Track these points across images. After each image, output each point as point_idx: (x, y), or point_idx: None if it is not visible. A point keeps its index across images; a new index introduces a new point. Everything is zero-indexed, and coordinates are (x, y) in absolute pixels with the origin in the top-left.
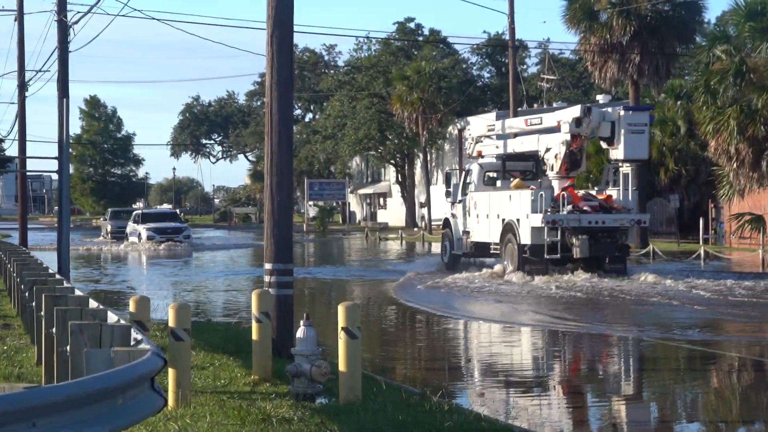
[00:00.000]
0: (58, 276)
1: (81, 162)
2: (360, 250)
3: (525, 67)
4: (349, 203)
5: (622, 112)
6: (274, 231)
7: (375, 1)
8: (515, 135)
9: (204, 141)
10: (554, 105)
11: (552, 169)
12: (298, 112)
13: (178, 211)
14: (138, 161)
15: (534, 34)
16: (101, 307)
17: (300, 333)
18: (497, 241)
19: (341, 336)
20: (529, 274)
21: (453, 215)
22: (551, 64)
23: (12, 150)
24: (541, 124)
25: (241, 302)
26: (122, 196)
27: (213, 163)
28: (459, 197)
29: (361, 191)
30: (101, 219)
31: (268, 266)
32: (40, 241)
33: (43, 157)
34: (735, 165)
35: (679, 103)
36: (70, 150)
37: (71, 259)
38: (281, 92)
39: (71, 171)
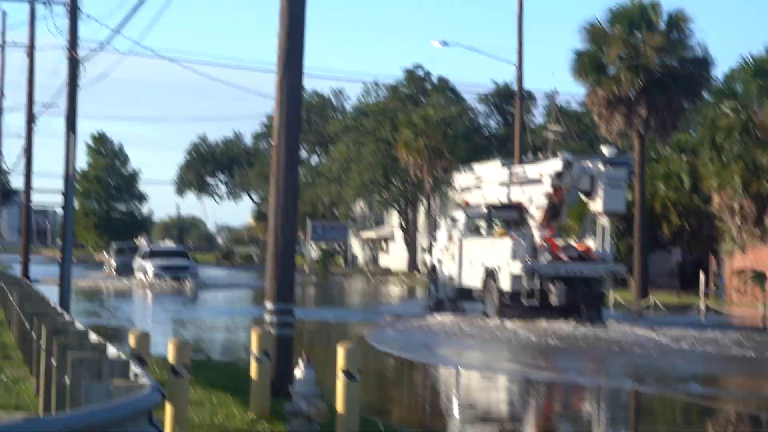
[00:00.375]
0: (59, 309)
1: (85, 197)
2: (357, 293)
3: (531, 117)
4: (351, 246)
5: (601, 167)
6: (277, 271)
7: (384, 47)
8: (502, 185)
9: (209, 180)
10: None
11: (534, 219)
12: (303, 154)
13: (185, 249)
14: (142, 198)
15: (541, 84)
16: (101, 340)
17: (299, 373)
18: (479, 286)
19: (341, 378)
20: (509, 319)
21: (439, 260)
22: (558, 115)
23: (17, 182)
24: (525, 175)
25: (242, 340)
26: (125, 231)
27: (217, 202)
28: (445, 243)
29: (364, 234)
30: (105, 254)
31: (269, 306)
32: (42, 274)
33: (48, 191)
34: (738, 220)
35: (684, 157)
36: (76, 185)
37: (74, 293)
38: (289, 134)
39: (76, 205)
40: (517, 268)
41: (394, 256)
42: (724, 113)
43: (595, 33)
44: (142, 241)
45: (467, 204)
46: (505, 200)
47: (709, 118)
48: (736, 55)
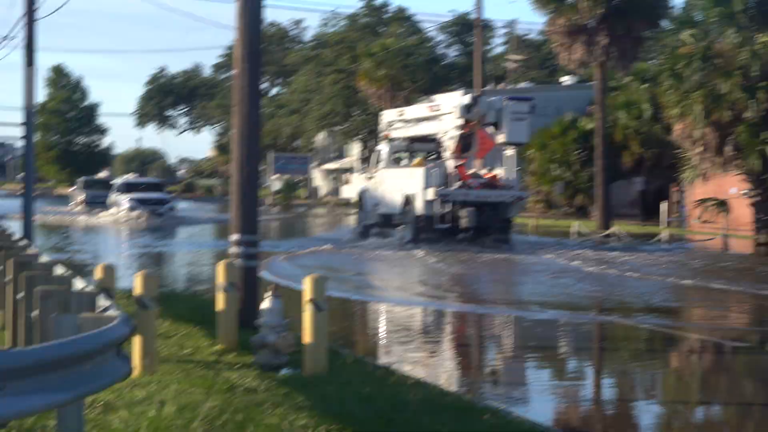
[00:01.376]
0: (24, 242)
1: (46, 130)
2: (305, 224)
3: (491, 47)
4: (313, 178)
5: (506, 102)
6: (242, 203)
7: None
8: (420, 119)
9: (169, 112)
10: (520, 85)
11: (447, 150)
12: (264, 86)
13: (162, 181)
14: (102, 131)
15: (501, 13)
16: (68, 273)
17: (266, 304)
18: (399, 212)
19: (307, 308)
20: (423, 242)
21: (366, 189)
22: (518, 45)
23: None
24: (440, 110)
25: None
26: (86, 165)
27: (178, 134)
28: (371, 174)
29: (326, 166)
30: (71, 188)
31: (234, 237)
32: (3, 209)
33: (7, 124)
34: (699, 149)
35: (644, 86)
36: (35, 118)
37: (42, 228)
38: (250, 65)
39: (36, 139)
40: (430, 194)
41: (356, 188)
42: (684, 41)
43: None
44: (108, 174)
45: (390, 138)
46: (424, 133)
47: (669, 47)
48: None
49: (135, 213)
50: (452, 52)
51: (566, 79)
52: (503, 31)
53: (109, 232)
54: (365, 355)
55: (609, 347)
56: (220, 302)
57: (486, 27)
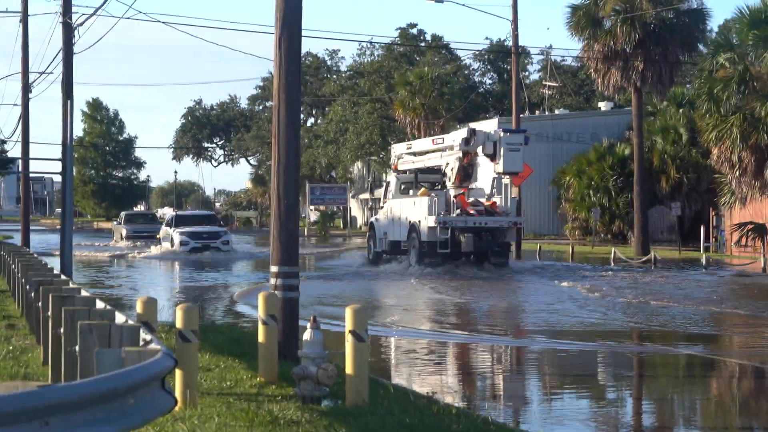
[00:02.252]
0: (63, 277)
1: (83, 164)
2: (331, 252)
3: (527, 73)
4: (350, 208)
5: (502, 134)
6: (281, 234)
7: (378, 6)
8: (426, 152)
9: (206, 144)
10: (556, 112)
11: (450, 181)
12: (300, 116)
13: (215, 213)
14: (139, 164)
15: (537, 40)
16: (108, 307)
17: (307, 335)
18: (406, 239)
19: (349, 339)
20: (428, 266)
21: (377, 219)
22: (553, 71)
23: (15, 152)
24: (443, 143)
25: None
26: (123, 198)
27: (215, 167)
28: (381, 204)
29: (362, 196)
30: (114, 223)
31: (273, 269)
32: (41, 243)
33: (46, 159)
34: (737, 173)
35: (681, 111)
36: (73, 152)
37: (83, 264)
38: (289, 95)
39: (73, 173)
40: (432, 221)
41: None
42: (721, 65)
43: None
44: (140, 209)
45: (398, 169)
46: (429, 165)
47: (706, 71)
48: (732, 6)
49: (188, 247)
50: (488, 80)
51: (603, 105)
52: (539, 57)
53: (164, 267)
54: (405, 385)
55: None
56: (260, 334)
57: (522, 54)
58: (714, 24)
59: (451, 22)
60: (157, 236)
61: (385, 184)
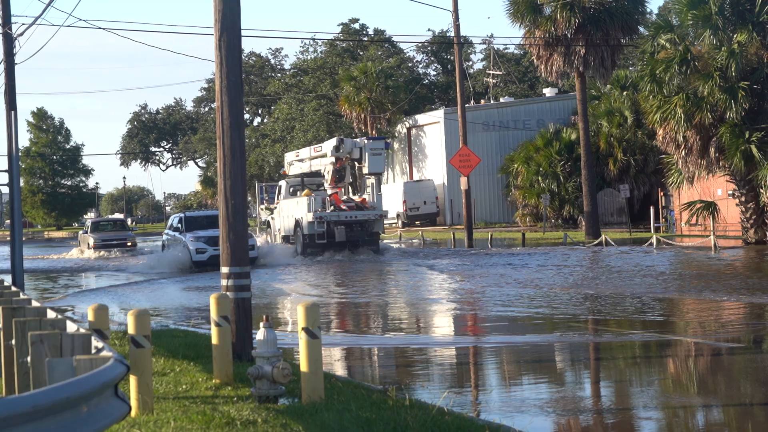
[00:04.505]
0: (14, 288)
1: (30, 174)
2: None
3: (471, 63)
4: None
5: (366, 141)
6: (230, 235)
7: (319, 3)
8: (309, 159)
9: (153, 149)
10: (501, 100)
11: (327, 182)
12: (246, 116)
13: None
14: (87, 172)
15: (479, 30)
16: (59, 316)
17: (260, 335)
18: (293, 233)
19: (302, 336)
20: (309, 255)
21: (272, 218)
22: (497, 60)
23: None
24: (321, 151)
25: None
26: (73, 207)
27: (163, 170)
28: (275, 205)
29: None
30: (81, 232)
31: (224, 270)
32: None
33: None
34: (683, 153)
35: (625, 93)
36: (20, 163)
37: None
38: (231, 96)
39: (21, 184)
40: (311, 216)
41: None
42: (662, 46)
43: None
44: (90, 217)
45: (287, 174)
46: (312, 170)
47: (648, 52)
48: None
49: (205, 256)
50: (432, 72)
51: (547, 91)
52: (482, 47)
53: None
54: (361, 379)
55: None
56: (213, 336)
57: (464, 44)
58: (654, 5)
59: (393, 16)
60: (128, 243)
61: (277, 187)
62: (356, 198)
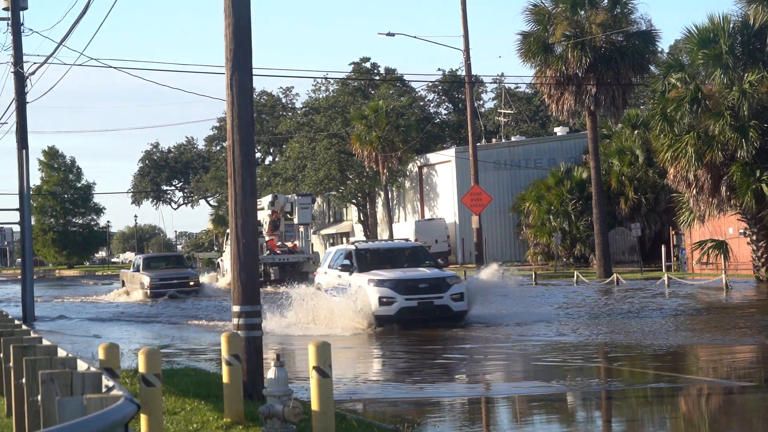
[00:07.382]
0: (24, 326)
1: (42, 213)
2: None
3: (482, 102)
4: (312, 243)
5: (295, 197)
6: (241, 274)
7: (331, 43)
8: None
9: (165, 187)
10: (512, 139)
11: (265, 231)
12: (258, 155)
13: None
14: (99, 210)
15: (490, 69)
16: (70, 355)
17: (271, 374)
18: None
19: (313, 375)
20: None
21: (221, 260)
22: (508, 99)
23: None
24: (261, 204)
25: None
26: (84, 245)
27: (174, 209)
28: (224, 249)
29: (324, 231)
30: (130, 271)
31: (235, 308)
32: (2, 294)
33: (3, 209)
34: (694, 191)
35: (636, 132)
36: (31, 201)
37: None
38: (242, 135)
39: (32, 222)
40: None
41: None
42: (673, 85)
43: (539, 13)
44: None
45: None
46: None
47: (658, 91)
48: (681, 26)
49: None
50: (443, 111)
51: (558, 130)
52: (493, 85)
53: None
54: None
55: None
56: (224, 374)
57: (475, 83)
58: (665, 44)
59: (404, 55)
60: (191, 283)
61: (225, 235)
62: (289, 244)
